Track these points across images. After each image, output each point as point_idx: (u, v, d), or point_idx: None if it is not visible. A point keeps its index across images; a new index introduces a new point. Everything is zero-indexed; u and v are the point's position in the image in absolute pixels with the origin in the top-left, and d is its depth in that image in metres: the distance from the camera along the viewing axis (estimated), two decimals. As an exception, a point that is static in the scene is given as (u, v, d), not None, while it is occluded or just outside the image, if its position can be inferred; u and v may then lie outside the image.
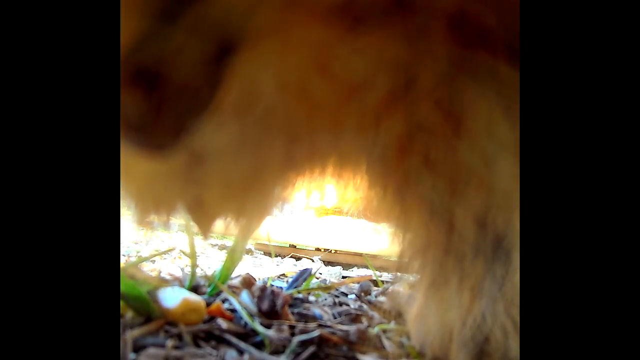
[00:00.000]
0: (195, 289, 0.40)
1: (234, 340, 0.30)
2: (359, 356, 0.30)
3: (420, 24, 0.23)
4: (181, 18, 0.20)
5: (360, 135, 0.26)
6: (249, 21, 0.21)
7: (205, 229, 0.29)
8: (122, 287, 0.31)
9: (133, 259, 0.56)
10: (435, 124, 0.25)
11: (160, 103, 0.21)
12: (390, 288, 0.48)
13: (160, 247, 0.69)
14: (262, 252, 0.82)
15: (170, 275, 0.48)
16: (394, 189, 0.28)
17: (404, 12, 0.23)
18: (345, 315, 0.39)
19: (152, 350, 0.26)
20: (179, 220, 0.30)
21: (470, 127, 0.24)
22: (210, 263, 0.64)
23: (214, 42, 0.21)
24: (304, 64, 0.23)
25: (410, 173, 0.26)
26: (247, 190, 0.26)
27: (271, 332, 0.31)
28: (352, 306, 0.43)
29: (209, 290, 0.40)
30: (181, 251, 0.58)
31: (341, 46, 0.23)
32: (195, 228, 0.30)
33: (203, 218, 0.28)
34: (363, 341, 0.32)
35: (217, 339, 0.30)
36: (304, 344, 0.30)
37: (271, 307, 0.35)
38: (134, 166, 0.24)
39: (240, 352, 0.29)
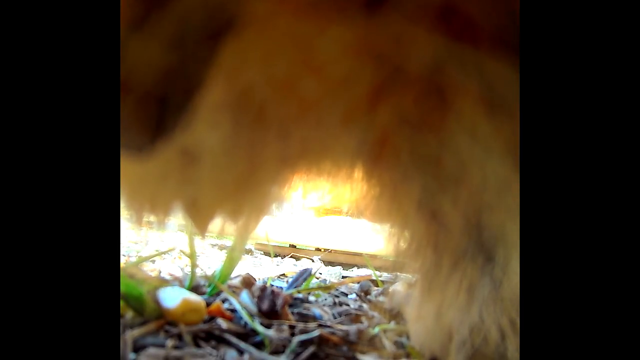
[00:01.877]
0: (195, 289, 0.40)
1: (234, 340, 0.30)
2: (359, 356, 0.30)
3: (407, 15, 0.23)
4: (147, 22, 0.20)
5: (348, 130, 0.26)
6: (227, 15, 0.21)
7: (201, 228, 0.29)
8: (122, 287, 0.31)
9: (133, 259, 0.56)
10: (420, 119, 0.25)
11: (132, 105, 0.21)
12: (390, 288, 0.48)
13: (160, 247, 0.69)
14: (262, 252, 0.82)
15: (170, 275, 0.48)
16: (388, 188, 0.28)
17: (390, 3, 0.23)
18: (345, 315, 0.39)
19: (152, 350, 0.26)
20: (179, 220, 0.30)
21: (454, 122, 0.24)
22: (210, 263, 0.64)
23: (186, 42, 0.21)
24: (290, 57, 0.23)
25: (400, 170, 0.26)
26: (242, 189, 0.26)
27: (271, 332, 0.31)
28: (352, 306, 0.43)
29: (209, 290, 0.40)
30: (181, 251, 0.58)
31: (325, 38, 0.23)
32: (193, 227, 0.30)
33: (199, 217, 0.28)
34: (363, 341, 0.32)
35: (217, 339, 0.30)
36: (304, 344, 0.30)
37: (271, 307, 0.35)
38: (127, 166, 0.24)
39: (240, 352, 0.29)
